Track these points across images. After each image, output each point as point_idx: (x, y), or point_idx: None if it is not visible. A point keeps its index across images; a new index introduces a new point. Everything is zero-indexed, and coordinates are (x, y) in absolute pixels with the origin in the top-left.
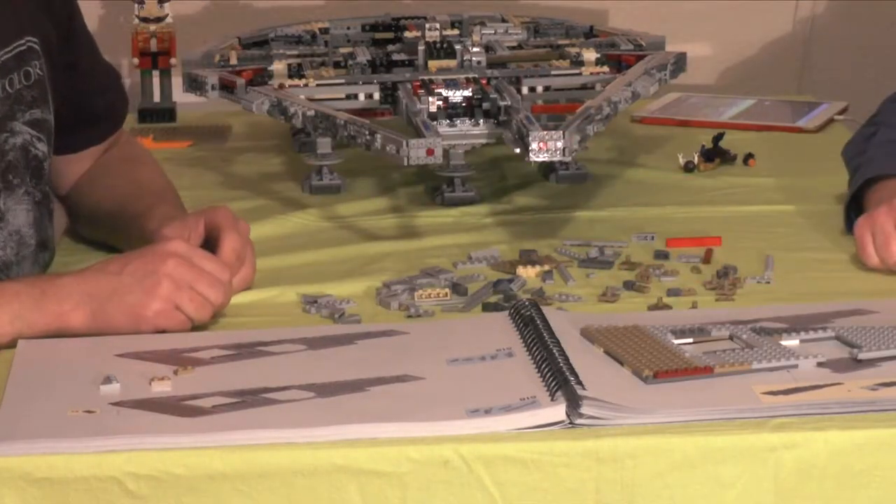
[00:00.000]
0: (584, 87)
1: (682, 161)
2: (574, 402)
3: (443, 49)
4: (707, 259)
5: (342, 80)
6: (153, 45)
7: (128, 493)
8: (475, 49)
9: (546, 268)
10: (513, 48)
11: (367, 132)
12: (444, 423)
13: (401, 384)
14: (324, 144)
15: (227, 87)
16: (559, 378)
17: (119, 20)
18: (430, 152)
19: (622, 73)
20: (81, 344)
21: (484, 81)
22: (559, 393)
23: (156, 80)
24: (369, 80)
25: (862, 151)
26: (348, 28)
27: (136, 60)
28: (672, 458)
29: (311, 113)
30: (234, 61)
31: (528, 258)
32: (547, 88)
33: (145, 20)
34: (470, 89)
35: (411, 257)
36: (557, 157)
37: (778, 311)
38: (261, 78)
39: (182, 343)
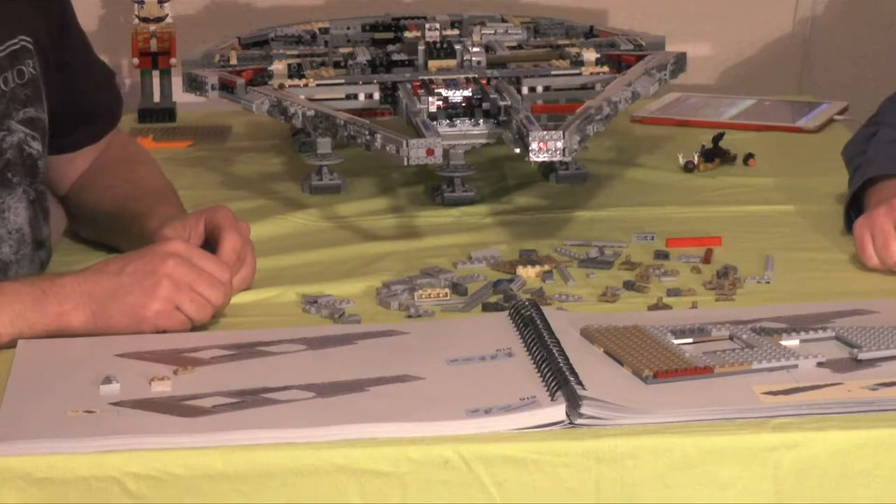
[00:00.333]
0: (584, 87)
1: (682, 161)
2: (574, 402)
3: (443, 49)
4: (707, 259)
5: (342, 80)
6: (153, 45)
7: (128, 493)
8: (475, 49)
9: (546, 268)
10: (513, 48)
11: (367, 132)
12: (444, 423)
13: (401, 384)
14: (324, 144)
15: (227, 87)
16: (559, 378)
17: (119, 20)
18: (430, 152)
19: (622, 73)
20: (81, 344)
21: (484, 81)
22: (559, 393)
23: (156, 80)
24: (369, 80)
25: (862, 151)
26: (348, 28)
27: (136, 60)
28: (672, 458)
29: (311, 113)
30: (234, 61)
31: (528, 258)
32: (547, 88)
33: (145, 20)
34: (470, 89)
35: (411, 257)
36: (557, 157)
37: (778, 311)
38: (261, 78)
39: (182, 343)
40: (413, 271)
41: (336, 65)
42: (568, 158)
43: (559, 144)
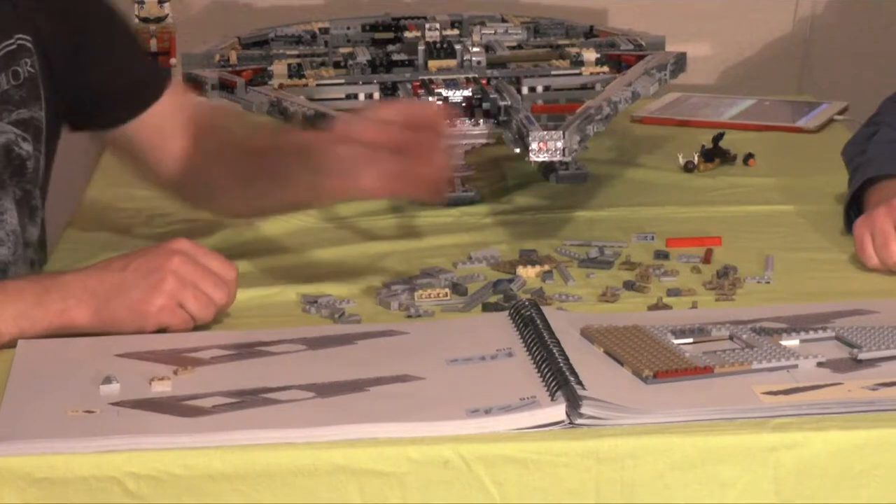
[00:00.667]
0: (584, 87)
1: (682, 161)
2: (574, 402)
3: (443, 49)
4: (707, 259)
5: (342, 80)
6: (153, 45)
7: (128, 493)
8: (475, 49)
9: (546, 268)
10: (513, 48)
11: None
12: (444, 423)
13: (401, 384)
14: None
15: (227, 87)
16: (559, 378)
17: None
18: None
19: (622, 73)
20: (81, 344)
21: (484, 81)
22: (559, 393)
23: None
24: (369, 80)
25: (862, 151)
26: (348, 28)
27: None
28: (672, 458)
29: (311, 113)
30: (234, 61)
31: (528, 258)
32: (547, 88)
33: (145, 20)
34: (470, 89)
35: (411, 257)
36: (557, 157)
37: (778, 311)
38: (261, 78)
39: (182, 343)
40: (413, 271)
41: (336, 65)
42: (568, 158)
43: (559, 144)
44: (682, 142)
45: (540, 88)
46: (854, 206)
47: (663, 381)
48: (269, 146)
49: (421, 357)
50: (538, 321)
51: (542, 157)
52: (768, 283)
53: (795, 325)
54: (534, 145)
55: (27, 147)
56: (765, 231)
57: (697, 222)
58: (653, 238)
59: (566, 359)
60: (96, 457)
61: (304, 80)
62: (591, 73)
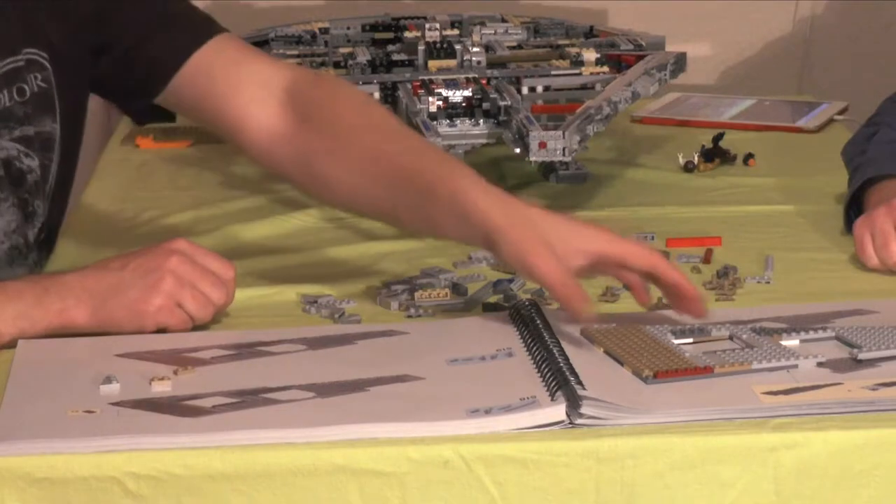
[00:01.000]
0: (584, 87)
1: (682, 161)
2: (574, 402)
3: (443, 49)
4: (707, 259)
5: None
6: None
7: (128, 493)
8: (475, 49)
9: None
10: (513, 48)
11: None
12: (444, 423)
13: (401, 384)
14: None
15: None
16: (559, 378)
17: None
18: None
19: (622, 73)
20: (81, 344)
21: (484, 81)
22: (559, 393)
23: None
24: (369, 80)
25: (862, 151)
26: (348, 28)
27: None
28: (672, 458)
29: None
30: None
31: None
32: (547, 88)
33: None
34: (470, 89)
35: (411, 257)
36: (557, 157)
37: (778, 311)
38: None
39: (182, 343)
40: (413, 271)
41: (336, 65)
42: (568, 158)
43: (559, 144)
44: (682, 142)
45: (540, 88)
46: (854, 206)
47: (663, 381)
48: (416, 172)
49: (421, 357)
50: (538, 321)
51: (542, 157)
52: (768, 283)
53: (795, 325)
54: (534, 145)
55: (29, 162)
56: (765, 231)
57: (697, 222)
58: (653, 238)
59: (566, 359)
60: (96, 457)
61: None
62: (591, 73)
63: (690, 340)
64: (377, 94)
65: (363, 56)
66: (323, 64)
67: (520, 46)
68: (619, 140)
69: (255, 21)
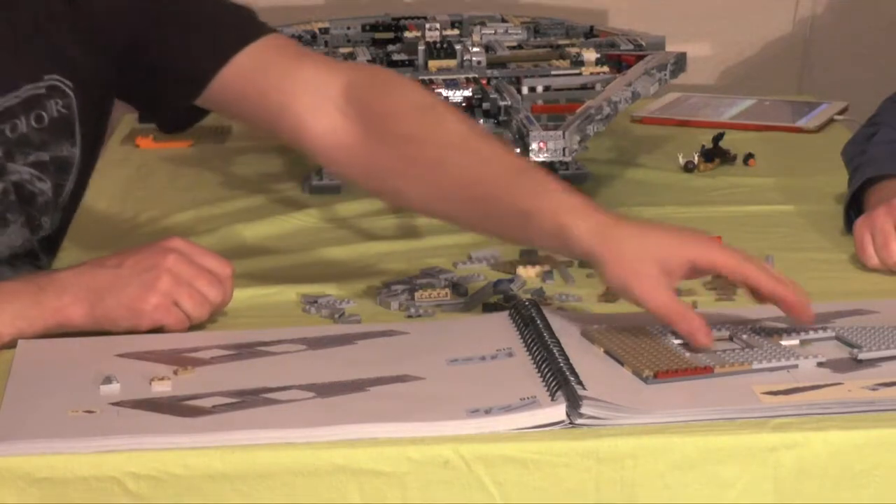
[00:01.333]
0: (584, 87)
1: (682, 161)
2: (574, 402)
3: (443, 49)
4: None
5: None
6: None
7: (128, 493)
8: (475, 49)
9: (546, 268)
10: (513, 48)
11: None
12: (444, 423)
13: (401, 384)
14: None
15: None
16: (559, 378)
17: None
18: None
19: (622, 73)
20: (81, 344)
21: (484, 81)
22: (559, 393)
23: None
24: None
25: (862, 151)
26: (348, 28)
27: None
28: (672, 458)
29: None
30: None
31: (528, 258)
32: (547, 88)
33: None
34: (470, 89)
35: (411, 257)
36: (557, 157)
37: (778, 311)
38: None
39: (182, 343)
40: (413, 271)
41: None
42: (568, 158)
43: (559, 144)
44: (682, 142)
45: (540, 88)
46: (854, 206)
47: (663, 382)
48: (497, 195)
49: (421, 357)
50: (538, 321)
51: (542, 157)
52: None
53: (795, 325)
54: (534, 145)
55: (41, 185)
56: (765, 231)
57: (697, 222)
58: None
59: (566, 359)
60: (96, 457)
61: None
62: (591, 73)
63: None
64: None
65: (363, 56)
66: None
67: (520, 46)
68: (619, 140)
69: None
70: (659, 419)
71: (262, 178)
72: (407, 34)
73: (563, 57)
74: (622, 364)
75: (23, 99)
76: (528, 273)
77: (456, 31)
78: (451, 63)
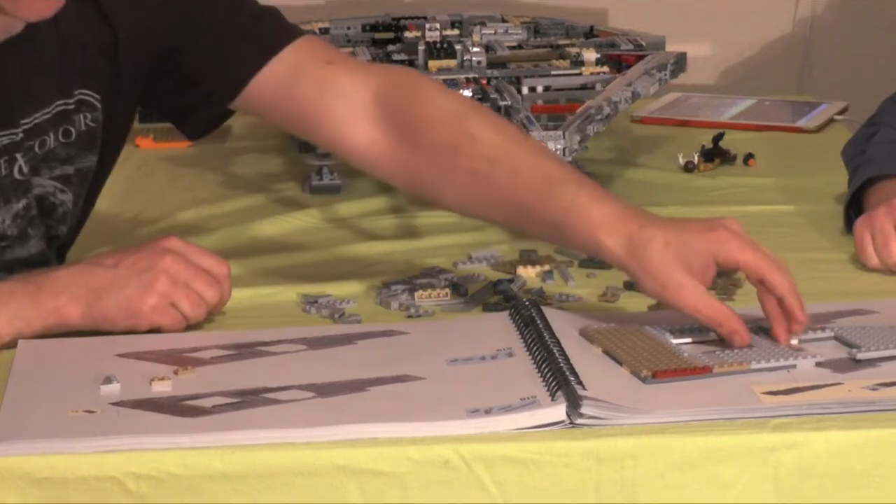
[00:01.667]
0: (584, 87)
1: (682, 161)
2: (574, 402)
3: (443, 49)
4: None
5: None
6: None
7: (128, 493)
8: (475, 49)
9: (546, 268)
10: (513, 48)
11: None
12: (444, 423)
13: (401, 384)
14: None
15: None
16: (559, 378)
17: None
18: None
19: (622, 73)
20: (82, 344)
21: (484, 81)
22: (559, 393)
23: None
24: None
25: (862, 151)
26: (348, 28)
27: None
28: (672, 458)
29: None
30: None
31: (528, 258)
32: (547, 88)
33: None
34: (470, 89)
35: (411, 257)
36: None
37: None
38: None
39: (182, 343)
40: (413, 271)
41: None
42: (568, 158)
43: (559, 144)
44: (682, 142)
45: (540, 88)
46: (854, 206)
47: (662, 382)
48: (531, 204)
49: (421, 357)
50: (538, 321)
51: None
52: None
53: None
54: None
55: (63, 196)
56: (765, 231)
57: None
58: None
59: (566, 359)
60: (96, 457)
61: None
62: (591, 73)
63: (689, 340)
64: None
65: (363, 56)
66: None
67: (520, 46)
68: (619, 140)
69: None
70: (659, 419)
71: (262, 178)
72: (407, 34)
73: (563, 57)
74: (620, 364)
75: (53, 115)
76: (528, 273)
77: (456, 31)
78: (451, 63)
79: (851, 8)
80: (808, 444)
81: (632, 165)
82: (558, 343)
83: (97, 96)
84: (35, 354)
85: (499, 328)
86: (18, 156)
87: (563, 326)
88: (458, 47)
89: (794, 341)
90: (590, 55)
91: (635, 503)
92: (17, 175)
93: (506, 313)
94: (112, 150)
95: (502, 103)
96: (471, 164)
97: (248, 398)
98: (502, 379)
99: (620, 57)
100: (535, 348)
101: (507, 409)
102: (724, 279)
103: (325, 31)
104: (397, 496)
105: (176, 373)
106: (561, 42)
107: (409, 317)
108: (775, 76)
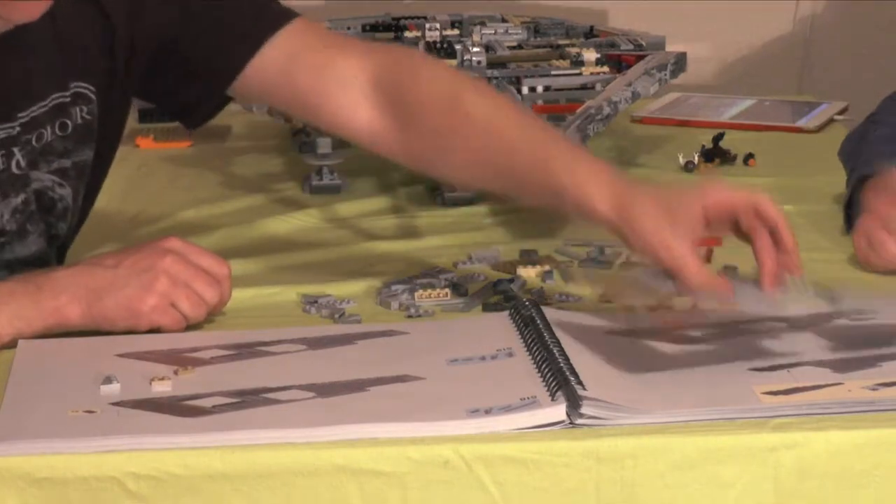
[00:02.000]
0: (584, 87)
1: (682, 161)
2: (574, 402)
3: (443, 49)
4: (707, 259)
5: None
6: None
7: (128, 493)
8: (475, 49)
9: (546, 268)
10: (513, 48)
11: None
12: (444, 423)
13: (401, 384)
14: (324, 144)
15: None
16: (559, 378)
17: None
18: None
19: (622, 73)
20: (82, 344)
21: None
22: (559, 393)
23: None
24: None
25: (858, 149)
26: (348, 28)
27: None
28: (672, 458)
29: None
30: None
31: (529, 258)
32: (547, 88)
33: None
34: None
35: (411, 257)
36: None
37: (777, 311)
38: None
39: (182, 343)
40: (413, 271)
41: None
42: None
43: None
44: (682, 142)
45: (540, 88)
46: (853, 206)
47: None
48: (530, 175)
49: (421, 357)
50: (538, 321)
51: None
52: None
53: (796, 325)
54: None
55: (62, 191)
56: None
57: None
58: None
59: (566, 359)
60: (96, 457)
61: None
62: (591, 73)
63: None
64: None
65: None
66: None
67: (520, 46)
68: (619, 140)
69: None
70: (659, 419)
71: (262, 178)
72: (407, 34)
73: (563, 57)
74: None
75: (49, 108)
76: (528, 273)
77: (456, 31)
78: (452, 63)
79: (851, 8)
80: (808, 445)
81: (632, 165)
82: (558, 343)
83: (93, 89)
84: (35, 354)
85: (499, 328)
86: (15, 150)
87: (563, 326)
88: (458, 47)
89: (783, 325)
90: (590, 55)
91: (635, 503)
92: (14, 169)
93: (506, 313)
94: (108, 145)
95: None
96: (466, 143)
97: (248, 398)
98: (502, 379)
99: (620, 57)
100: (535, 348)
101: (507, 409)
102: (724, 269)
103: None
104: (397, 496)
105: (176, 373)
106: (561, 42)
107: (409, 317)
108: (775, 76)
